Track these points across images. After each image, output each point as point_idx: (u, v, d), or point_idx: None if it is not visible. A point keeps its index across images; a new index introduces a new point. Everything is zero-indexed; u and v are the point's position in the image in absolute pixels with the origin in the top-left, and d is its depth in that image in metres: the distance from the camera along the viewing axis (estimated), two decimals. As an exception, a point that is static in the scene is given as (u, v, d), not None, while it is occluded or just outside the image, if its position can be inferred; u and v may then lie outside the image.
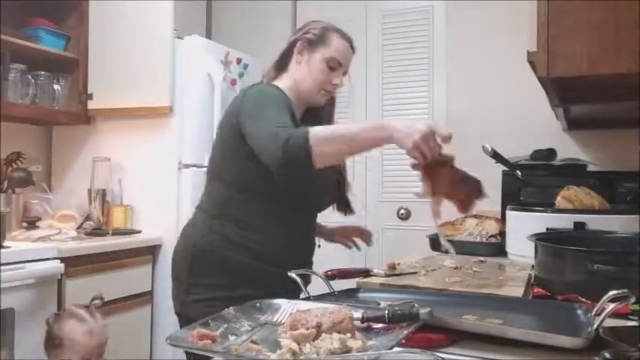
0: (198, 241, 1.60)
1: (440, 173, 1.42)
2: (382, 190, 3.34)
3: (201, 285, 1.57)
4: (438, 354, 0.76)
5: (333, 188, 1.91)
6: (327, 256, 3.35)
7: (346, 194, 2.03)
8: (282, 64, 1.72)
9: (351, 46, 1.74)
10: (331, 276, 1.50)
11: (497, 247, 2.08)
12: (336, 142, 1.37)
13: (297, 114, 1.64)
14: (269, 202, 1.59)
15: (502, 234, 2.13)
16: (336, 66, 1.68)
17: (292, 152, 1.32)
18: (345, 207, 2.03)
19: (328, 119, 1.80)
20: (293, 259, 1.56)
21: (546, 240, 1.49)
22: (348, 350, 0.83)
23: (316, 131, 1.35)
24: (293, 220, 1.66)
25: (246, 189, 1.58)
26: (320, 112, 1.76)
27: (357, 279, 1.52)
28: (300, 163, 1.33)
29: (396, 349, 0.84)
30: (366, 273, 1.58)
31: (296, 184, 1.58)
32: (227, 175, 1.61)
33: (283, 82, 1.67)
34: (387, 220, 3.31)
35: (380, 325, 0.96)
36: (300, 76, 1.67)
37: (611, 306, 0.95)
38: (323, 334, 0.87)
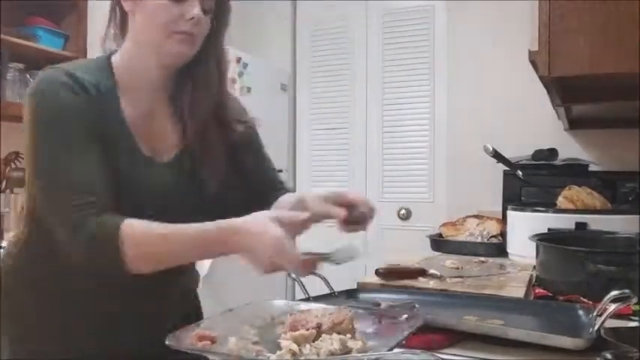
0: None
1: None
2: (382, 190, 3.33)
3: None
4: (439, 355, 0.76)
5: None
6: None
7: None
8: (120, 26, 1.20)
9: None
10: (384, 274, 1.49)
11: (498, 248, 2.07)
12: (161, 245, 0.99)
13: (157, 82, 1.15)
14: None
15: (503, 234, 2.13)
16: None
17: (98, 255, 0.97)
18: None
19: (208, 81, 1.19)
20: None
21: (548, 240, 1.48)
22: (348, 351, 0.83)
23: (133, 229, 0.97)
24: None
25: None
26: (195, 71, 1.17)
27: (353, 281, 1.51)
28: (110, 267, 0.98)
29: (396, 350, 0.84)
30: (421, 273, 1.54)
31: None
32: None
33: (122, 52, 1.16)
34: (387, 220, 3.30)
35: (379, 326, 0.95)
36: (139, 28, 1.13)
37: (613, 307, 0.94)
38: (323, 335, 0.86)
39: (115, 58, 1.16)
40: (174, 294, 1.24)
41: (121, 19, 1.20)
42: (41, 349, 1.12)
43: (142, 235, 0.98)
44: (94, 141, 1.03)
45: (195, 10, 1.08)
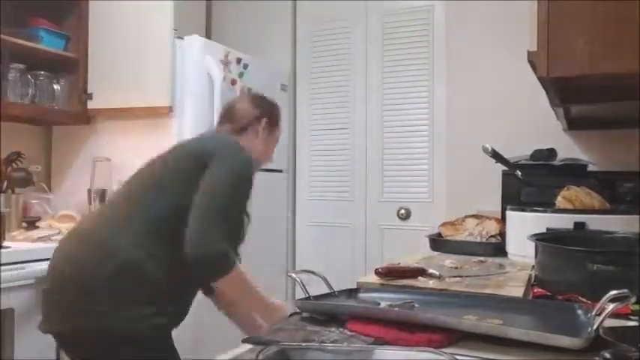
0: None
1: None
2: (382, 190, 3.34)
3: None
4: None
5: None
6: (325, 256, 3.36)
7: None
8: (241, 130, 1.84)
9: None
10: (383, 274, 1.49)
11: (497, 248, 2.08)
12: (243, 291, 1.60)
13: None
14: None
15: (502, 234, 2.13)
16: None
17: (214, 263, 1.48)
18: None
19: None
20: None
21: (546, 240, 1.48)
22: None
23: (240, 272, 1.54)
24: None
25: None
26: None
27: (356, 280, 1.52)
28: (209, 273, 1.52)
29: (401, 347, 0.84)
30: (421, 273, 1.55)
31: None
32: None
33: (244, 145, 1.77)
34: (387, 220, 3.31)
35: None
36: (257, 148, 1.83)
37: (612, 306, 0.95)
38: None
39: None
40: None
41: (243, 129, 1.84)
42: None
43: (240, 281, 1.56)
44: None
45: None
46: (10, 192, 2.63)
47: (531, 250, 1.52)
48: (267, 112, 1.89)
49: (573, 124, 2.56)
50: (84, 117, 2.93)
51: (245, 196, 1.63)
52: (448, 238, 2.27)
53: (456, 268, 1.71)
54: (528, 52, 1.53)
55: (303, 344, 0.97)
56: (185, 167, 1.61)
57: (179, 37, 2.81)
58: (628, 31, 1.30)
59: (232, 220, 1.56)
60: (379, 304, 1.17)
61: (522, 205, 2.04)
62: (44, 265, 2.14)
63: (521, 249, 1.85)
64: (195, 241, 1.45)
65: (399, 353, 0.92)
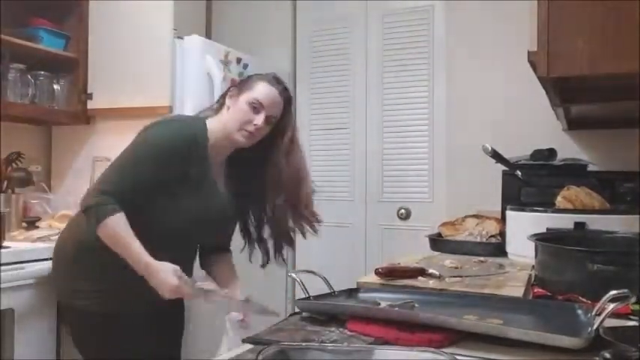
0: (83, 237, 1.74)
1: None
2: (382, 190, 3.34)
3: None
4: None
5: (222, 227, 1.89)
6: (325, 256, 3.36)
7: (257, 239, 1.92)
8: (218, 108, 1.83)
9: (282, 93, 1.79)
10: (383, 274, 1.49)
11: (497, 247, 2.08)
12: (115, 244, 1.60)
13: (222, 155, 1.79)
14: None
15: (502, 234, 2.13)
16: (258, 107, 1.73)
17: (90, 216, 1.60)
18: (263, 254, 1.92)
19: (261, 167, 1.82)
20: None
21: (546, 240, 1.49)
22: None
23: (113, 223, 1.58)
24: (163, 252, 1.64)
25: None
26: (249, 155, 1.81)
27: (356, 279, 1.52)
28: (88, 224, 1.62)
29: (403, 347, 0.84)
30: (420, 273, 1.55)
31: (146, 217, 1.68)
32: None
33: (214, 122, 1.77)
34: (387, 220, 3.31)
35: None
36: (226, 118, 1.76)
37: (612, 306, 0.95)
38: None
39: (208, 124, 1.76)
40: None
41: (219, 106, 1.82)
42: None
43: (112, 231, 1.59)
44: (151, 171, 1.66)
45: (260, 120, 1.72)
46: (10, 192, 2.63)
47: (531, 250, 1.52)
48: (238, 85, 1.83)
49: (573, 124, 2.56)
50: (84, 117, 2.93)
51: (144, 158, 1.66)
52: (448, 238, 2.27)
53: (456, 268, 1.71)
54: (528, 52, 1.53)
55: (303, 344, 0.97)
56: None
57: (179, 37, 2.81)
58: (628, 31, 1.30)
59: (121, 172, 1.66)
60: (379, 304, 1.17)
61: (522, 205, 2.04)
62: (44, 265, 2.15)
63: (521, 249, 1.85)
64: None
65: (399, 353, 0.92)
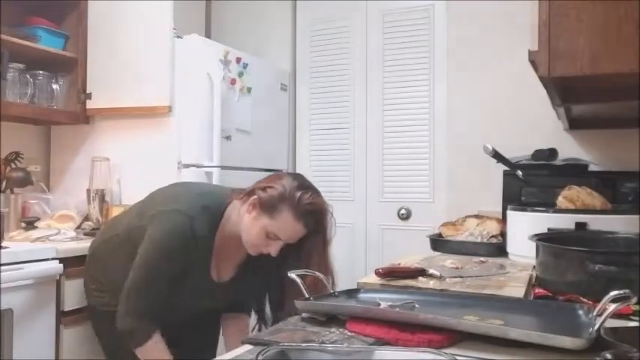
0: None
1: None
2: (382, 190, 3.33)
3: None
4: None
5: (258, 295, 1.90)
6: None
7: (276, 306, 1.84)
8: (243, 196, 1.72)
9: (307, 225, 1.65)
10: (383, 274, 1.49)
11: (498, 248, 2.08)
12: None
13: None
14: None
15: (503, 234, 2.13)
16: (274, 239, 1.64)
17: (126, 337, 1.66)
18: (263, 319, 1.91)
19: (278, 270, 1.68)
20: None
21: (547, 240, 1.48)
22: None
23: (153, 345, 1.65)
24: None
25: None
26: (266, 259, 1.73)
27: (356, 280, 1.51)
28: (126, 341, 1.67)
29: (402, 349, 0.84)
30: (421, 273, 1.54)
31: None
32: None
33: (235, 212, 1.72)
34: (387, 220, 3.31)
35: None
36: (243, 223, 1.69)
37: (613, 306, 0.94)
38: None
39: (226, 215, 1.72)
40: None
41: (246, 196, 1.71)
42: None
43: (152, 352, 1.65)
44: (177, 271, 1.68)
45: (274, 250, 1.65)
46: (8, 192, 2.63)
47: (532, 250, 1.51)
48: (262, 185, 1.68)
49: (574, 124, 2.56)
50: (83, 117, 2.92)
51: (162, 268, 1.65)
52: (449, 238, 2.26)
53: (457, 268, 1.71)
54: (529, 52, 1.52)
55: (303, 345, 0.96)
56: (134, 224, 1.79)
57: (178, 37, 2.80)
58: (629, 31, 1.30)
59: (146, 292, 1.66)
60: (379, 304, 1.17)
61: (523, 205, 2.03)
62: (43, 266, 2.15)
63: (522, 249, 1.84)
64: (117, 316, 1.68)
65: (400, 354, 0.92)
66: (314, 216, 1.65)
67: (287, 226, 1.62)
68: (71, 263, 2.24)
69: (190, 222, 1.64)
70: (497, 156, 2.22)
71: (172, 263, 1.66)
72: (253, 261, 1.78)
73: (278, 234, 1.62)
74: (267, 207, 1.62)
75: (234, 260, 1.81)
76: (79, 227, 2.71)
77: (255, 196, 1.66)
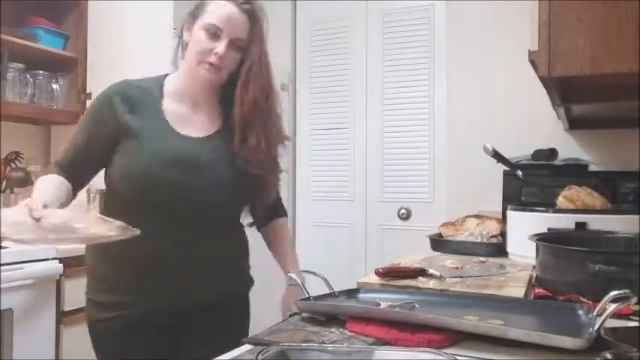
0: None
1: None
2: (382, 190, 3.33)
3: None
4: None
5: (238, 188, 1.51)
6: (325, 256, 3.35)
7: (261, 200, 1.58)
8: (183, 53, 1.56)
9: (242, 9, 1.48)
10: (383, 274, 1.49)
11: (498, 248, 2.07)
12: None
13: (200, 101, 1.52)
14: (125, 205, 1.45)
15: (503, 234, 2.13)
16: (215, 31, 1.44)
17: None
18: (259, 217, 1.65)
19: (242, 103, 1.47)
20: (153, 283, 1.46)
21: (547, 240, 1.48)
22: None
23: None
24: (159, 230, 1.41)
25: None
26: (231, 93, 1.49)
27: (353, 280, 1.51)
28: None
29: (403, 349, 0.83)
30: (421, 273, 1.54)
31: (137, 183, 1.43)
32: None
33: (180, 68, 1.55)
34: (387, 220, 3.31)
35: None
36: (186, 55, 1.51)
37: (613, 306, 0.94)
38: None
39: (170, 75, 1.56)
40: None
41: (182, 47, 1.55)
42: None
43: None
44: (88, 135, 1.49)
45: (221, 48, 1.43)
46: (8, 192, 2.63)
47: (532, 250, 1.51)
48: (189, 12, 1.53)
49: (574, 124, 2.56)
50: (83, 116, 2.92)
51: (83, 129, 1.50)
52: (449, 238, 2.26)
53: (457, 268, 1.71)
54: (529, 52, 1.52)
55: (303, 345, 0.96)
56: None
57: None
58: (629, 31, 1.30)
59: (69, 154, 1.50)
60: (379, 304, 1.17)
61: (523, 205, 2.03)
62: (43, 266, 2.15)
63: (522, 249, 1.84)
64: None
65: (400, 354, 0.92)
66: (245, 2, 1.50)
67: (219, 10, 1.45)
68: (71, 263, 2.25)
69: (122, 84, 1.55)
70: (497, 156, 2.21)
71: (102, 118, 1.47)
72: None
73: (214, 22, 1.44)
74: (195, 14, 1.49)
75: (206, 109, 1.54)
76: (79, 227, 2.71)
77: (185, 18, 1.53)
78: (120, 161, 1.44)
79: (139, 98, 1.49)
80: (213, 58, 1.43)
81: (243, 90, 1.46)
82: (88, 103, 2.91)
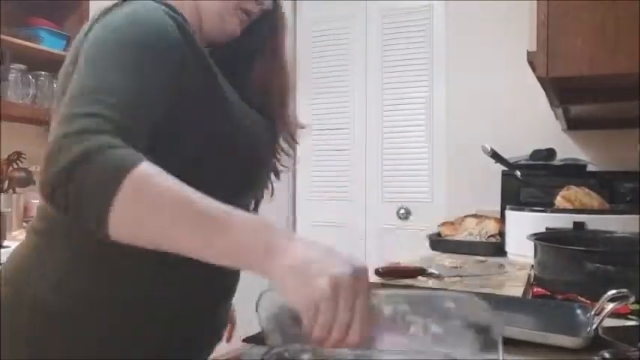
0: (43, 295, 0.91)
1: None
2: (382, 190, 3.34)
3: None
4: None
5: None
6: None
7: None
8: None
9: None
10: (383, 274, 1.49)
11: (496, 247, 2.08)
12: (164, 210, 0.69)
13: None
14: None
15: (502, 234, 2.14)
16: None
17: (74, 188, 0.70)
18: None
19: (255, 72, 1.16)
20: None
21: (546, 240, 1.49)
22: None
23: (148, 172, 0.71)
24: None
25: None
26: (238, 53, 1.13)
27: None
28: (77, 213, 0.71)
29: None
30: (420, 272, 1.55)
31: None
32: None
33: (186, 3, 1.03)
34: (387, 220, 3.31)
35: None
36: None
37: (611, 306, 0.95)
38: None
39: (178, 5, 0.96)
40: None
41: None
42: None
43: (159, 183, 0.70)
44: (159, 79, 0.85)
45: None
46: (11, 192, 2.64)
47: (531, 249, 1.52)
48: None
49: (573, 124, 2.56)
50: (84, 117, 2.93)
51: (139, 64, 0.83)
52: (448, 237, 2.27)
53: (456, 267, 1.72)
54: (528, 52, 1.53)
55: (302, 345, 0.96)
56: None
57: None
58: (627, 31, 1.31)
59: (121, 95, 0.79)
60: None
61: (522, 205, 2.04)
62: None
63: (520, 249, 1.85)
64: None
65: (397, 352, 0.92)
66: None
67: None
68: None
69: (162, 10, 0.90)
70: (495, 156, 2.22)
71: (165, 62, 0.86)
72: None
73: None
74: None
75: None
76: (80, 227, 2.72)
77: None
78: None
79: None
80: (250, 5, 1.07)
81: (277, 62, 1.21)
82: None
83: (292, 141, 1.25)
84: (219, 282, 1.02)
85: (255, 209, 1.19)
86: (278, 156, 1.24)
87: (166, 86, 0.86)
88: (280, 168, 1.27)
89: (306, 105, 3.55)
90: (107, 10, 0.91)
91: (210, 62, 0.96)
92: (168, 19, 0.89)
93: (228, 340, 1.23)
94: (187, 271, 0.87)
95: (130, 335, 0.91)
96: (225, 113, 0.97)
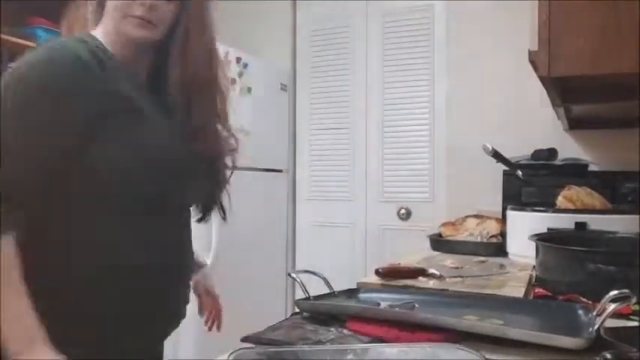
0: None
1: None
2: (382, 190, 3.33)
3: None
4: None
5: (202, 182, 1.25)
6: (325, 256, 3.35)
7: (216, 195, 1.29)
8: (97, 7, 1.17)
9: None
10: (384, 274, 1.49)
11: (497, 248, 2.08)
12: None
13: (134, 56, 1.15)
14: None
15: (503, 234, 2.13)
16: None
17: None
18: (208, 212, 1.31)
19: (178, 62, 1.16)
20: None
21: (547, 240, 1.48)
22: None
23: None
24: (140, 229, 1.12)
25: None
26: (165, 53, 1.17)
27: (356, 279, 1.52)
28: None
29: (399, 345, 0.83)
30: (421, 273, 1.54)
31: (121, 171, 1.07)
32: None
33: (101, 29, 1.14)
34: (387, 220, 3.31)
35: None
36: (107, 7, 1.13)
37: (612, 306, 0.94)
38: None
39: (95, 32, 1.14)
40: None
41: (97, 4, 1.18)
42: None
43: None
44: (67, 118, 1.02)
45: None
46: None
47: (532, 250, 1.51)
48: None
49: (574, 124, 2.56)
50: (83, 117, 2.92)
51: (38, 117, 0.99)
52: (449, 238, 2.26)
53: (457, 268, 1.71)
54: (529, 52, 1.52)
55: (301, 344, 0.96)
56: None
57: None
58: (628, 31, 1.30)
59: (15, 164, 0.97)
60: (379, 304, 1.17)
61: (523, 205, 2.03)
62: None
63: (521, 249, 1.84)
64: None
65: (395, 352, 0.91)
66: None
67: None
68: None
69: (73, 45, 1.05)
70: (496, 156, 2.22)
71: (74, 106, 1.02)
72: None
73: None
74: None
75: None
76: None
77: None
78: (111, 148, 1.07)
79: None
80: (139, 11, 1.09)
81: (181, 50, 1.15)
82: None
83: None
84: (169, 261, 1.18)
85: (206, 212, 1.29)
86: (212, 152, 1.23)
87: (71, 132, 1.02)
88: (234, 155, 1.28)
89: (306, 105, 3.55)
90: (23, 55, 1.04)
91: (132, 95, 1.09)
92: (85, 61, 1.03)
93: (218, 328, 1.45)
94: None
95: None
96: (138, 148, 1.08)
